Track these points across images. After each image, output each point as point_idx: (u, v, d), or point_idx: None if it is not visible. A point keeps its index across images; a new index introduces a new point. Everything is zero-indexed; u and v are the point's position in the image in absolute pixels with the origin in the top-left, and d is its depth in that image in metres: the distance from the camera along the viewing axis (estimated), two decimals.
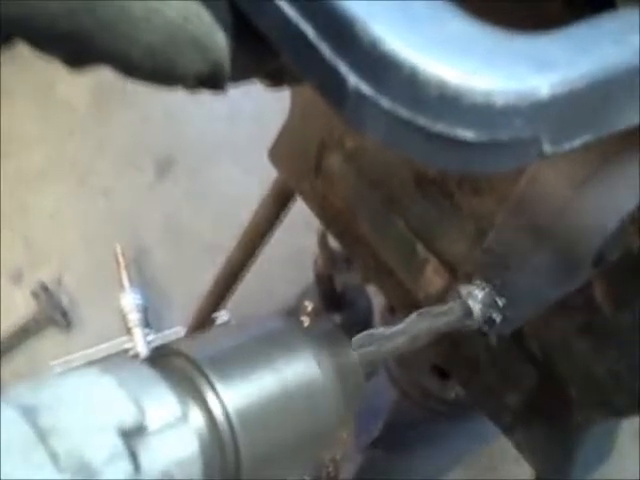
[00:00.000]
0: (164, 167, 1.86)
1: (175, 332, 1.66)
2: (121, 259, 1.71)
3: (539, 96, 0.32)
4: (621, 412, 0.69)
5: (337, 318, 1.34)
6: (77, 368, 0.37)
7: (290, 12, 0.32)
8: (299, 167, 0.86)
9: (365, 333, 0.47)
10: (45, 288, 1.72)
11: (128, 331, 1.66)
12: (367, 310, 1.38)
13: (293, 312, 1.46)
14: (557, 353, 0.69)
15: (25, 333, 1.69)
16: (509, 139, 0.33)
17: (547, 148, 0.35)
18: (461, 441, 1.13)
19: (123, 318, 1.67)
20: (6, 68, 1.69)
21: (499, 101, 0.32)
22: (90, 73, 0.37)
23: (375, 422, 1.06)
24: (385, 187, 0.77)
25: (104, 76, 0.39)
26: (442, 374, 0.98)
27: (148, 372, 0.38)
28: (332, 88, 0.32)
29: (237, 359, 0.41)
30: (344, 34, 0.31)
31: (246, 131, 1.84)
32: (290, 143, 0.87)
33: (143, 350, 1.65)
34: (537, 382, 0.72)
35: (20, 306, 1.71)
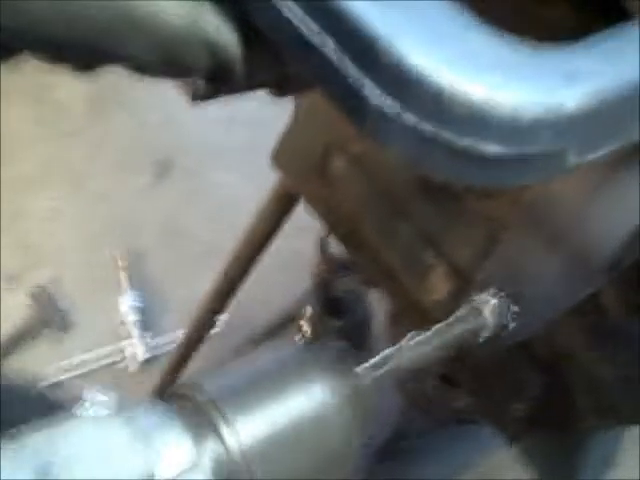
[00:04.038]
0: (162, 170, 1.85)
1: (172, 335, 1.65)
2: (115, 263, 1.71)
3: (566, 109, 0.32)
4: (630, 419, 0.68)
5: (335, 324, 1.34)
6: (91, 414, 0.36)
7: (313, 28, 0.31)
8: (303, 171, 0.86)
9: (379, 354, 0.46)
10: (41, 291, 1.71)
11: (123, 333, 1.66)
12: (365, 316, 1.38)
13: (291, 318, 1.45)
14: (565, 360, 0.69)
15: (21, 336, 1.68)
16: (536, 153, 0.32)
17: (572, 160, 0.34)
18: (465, 448, 1.13)
19: (120, 321, 1.67)
20: (2, 71, 1.68)
21: (526, 115, 0.31)
22: (88, 76, 0.37)
23: (381, 430, 1.05)
24: (391, 191, 0.76)
25: (102, 79, 0.38)
26: (449, 382, 0.97)
27: (163, 416, 0.38)
28: (353, 104, 0.32)
29: (251, 392, 0.40)
30: (368, 51, 0.30)
31: (244, 134, 1.82)
32: (294, 146, 0.86)
33: (140, 353, 1.64)
34: (543, 390, 0.72)
35: (17, 309, 1.70)
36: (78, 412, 0.39)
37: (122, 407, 0.38)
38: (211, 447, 0.38)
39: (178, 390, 0.41)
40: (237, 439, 0.38)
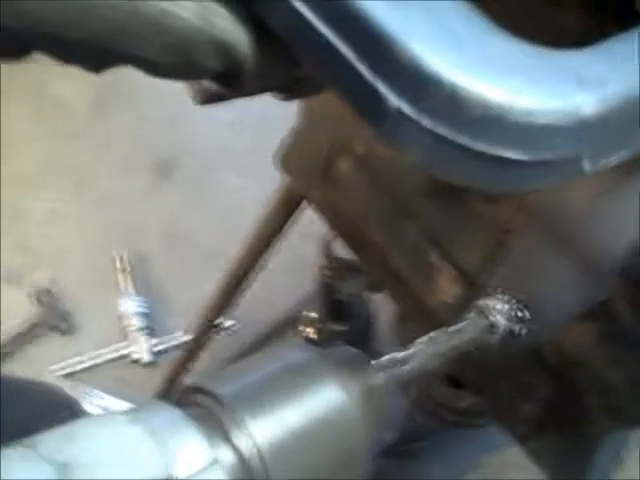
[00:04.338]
0: (165, 171, 1.85)
1: (176, 338, 1.65)
2: (119, 264, 1.71)
3: (583, 114, 0.32)
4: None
5: (339, 327, 1.34)
6: (106, 414, 0.36)
7: (328, 32, 0.31)
8: (308, 173, 0.85)
9: (389, 356, 0.46)
10: (43, 292, 1.70)
11: (127, 336, 1.66)
12: (368, 319, 1.38)
13: (294, 320, 1.45)
14: (574, 362, 0.68)
15: (23, 337, 1.67)
16: (551, 158, 0.32)
17: (587, 166, 0.34)
18: (471, 450, 1.12)
19: (123, 324, 1.66)
20: (3, 70, 1.67)
21: (542, 120, 0.31)
22: (90, 75, 0.37)
23: (389, 431, 1.05)
24: (397, 193, 0.76)
25: (105, 79, 0.38)
26: (455, 383, 0.97)
27: (177, 416, 0.37)
28: (371, 108, 0.31)
29: (263, 394, 0.40)
30: (384, 54, 0.30)
31: (249, 136, 1.82)
32: (299, 148, 0.86)
33: (143, 355, 1.64)
34: (552, 392, 0.72)
35: (18, 310, 1.69)
36: (88, 413, 0.39)
37: (131, 408, 0.38)
38: (225, 450, 0.38)
39: (188, 393, 0.41)
40: (250, 440, 0.38)
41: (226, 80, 0.38)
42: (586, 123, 0.32)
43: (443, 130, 0.31)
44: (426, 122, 0.31)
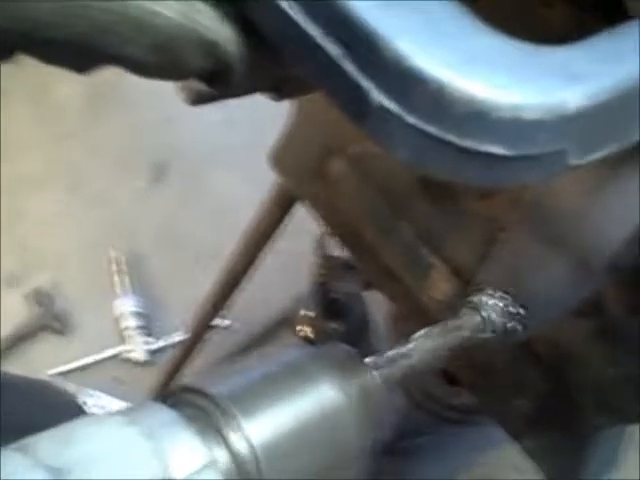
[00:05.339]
0: (160, 172, 1.85)
1: (172, 337, 1.65)
2: (114, 265, 1.70)
3: (567, 109, 0.32)
4: (632, 418, 0.68)
5: (334, 326, 1.34)
6: (101, 416, 0.36)
7: (313, 30, 0.31)
8: (302, 172, 0.86)
9: (384, 354, 0.47)
10: (40, 293, 1.70)
11: (123, 336, 1.66)
12: (363, 318, 1.38)
13: (290, 319, 1.46)
14: (567, 358, 0.69)
15: (20, 338, 1.67)
16: (537, 153, 0.33)
17: (573, 160, 0.34)
18: (467, 449, 1.13)
19: (119, 324, 1.66)
20: (2, 71, 1.67)
21: (527, 115, 0.31)
22: (86, 77, 0.37)
23: (384, 430, 1.05)
24: (390, 191, 0.76)
25: (100, 80, 0.38)
26: (450, 380, 0.97)
27: (172, 417, 0.37)
28: (356, 105, 0.31)
29: (258, 394, 0.40)
30: (370, 51, 0.30)
31: (242, 136, 1.82)
32: (292, 147, 0.86)
33: (139, 355, 1.64)
34: (547, 388, 0.72)
35: (15, 311, 1.69)
36: (83, 413, 0.39)
37: (126, 409, 0.38)
38: (221, 451, 0.38)
39: (182, 393, 0.41)
40: (245, 441, 0.38)
41: (215, 80, 0.38)
42: (572, 118, 0.32)
43: (428, 127, 0.31)
44: (411, 119, 0.31)
